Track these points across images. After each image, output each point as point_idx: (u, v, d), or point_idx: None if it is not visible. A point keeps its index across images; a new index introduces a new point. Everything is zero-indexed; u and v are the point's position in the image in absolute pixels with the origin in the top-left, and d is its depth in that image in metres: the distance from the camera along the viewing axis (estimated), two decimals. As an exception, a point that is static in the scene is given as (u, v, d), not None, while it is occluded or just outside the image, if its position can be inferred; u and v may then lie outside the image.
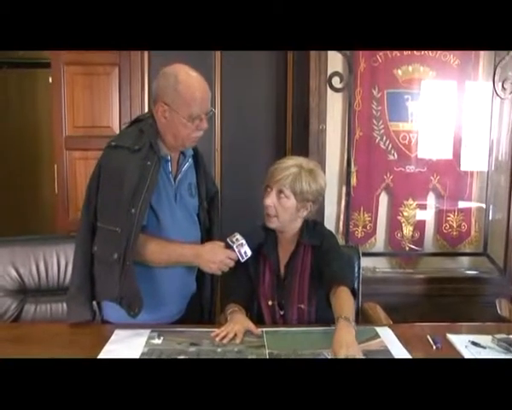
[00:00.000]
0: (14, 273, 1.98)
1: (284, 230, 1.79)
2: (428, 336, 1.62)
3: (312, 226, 1.82)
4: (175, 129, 1.67)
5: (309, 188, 1.72)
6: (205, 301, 1.92)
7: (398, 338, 1.62)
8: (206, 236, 1.87)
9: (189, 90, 1.63)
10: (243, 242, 1.65)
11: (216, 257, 1.66)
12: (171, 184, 1.74)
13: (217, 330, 1.61)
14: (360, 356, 1.39)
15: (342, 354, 1.37)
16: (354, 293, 1.67)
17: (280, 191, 1.71)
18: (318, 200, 1.79)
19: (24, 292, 2.00)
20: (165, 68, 1.69)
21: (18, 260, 2.00)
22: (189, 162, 1.81)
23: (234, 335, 1.59)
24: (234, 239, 1.66)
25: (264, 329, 1.67)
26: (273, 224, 1.75)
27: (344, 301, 1.59)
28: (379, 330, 1.69)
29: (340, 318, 1.51)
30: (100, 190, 1.68)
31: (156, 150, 1.65)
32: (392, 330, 1.68)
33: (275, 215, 1.73)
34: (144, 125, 1.69)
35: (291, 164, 1.73)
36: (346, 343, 1.40)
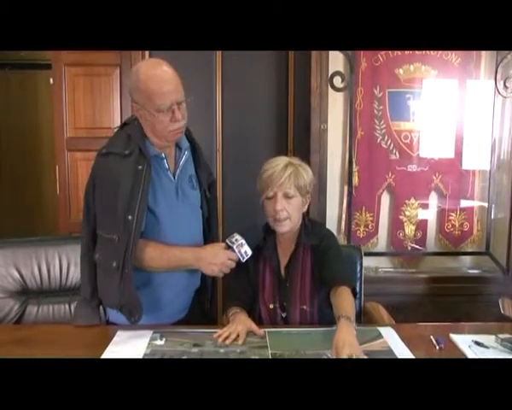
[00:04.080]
0: (16, 275, 1.99)
1: (293, 230, 1.78)
2: (431, 337, 1.61)
3: (311, 226, 1.82)
4: (151, 125, 1.65)
5: (307, 180, 1.75)
6: (206, 295, 1.91)
7: (401, 338, 1.62)
8: (206, 227, 1.87)
9: (148, 85, 1.59)
10: (243, 241, 1.64)
11: (217, 259, 1.65)
12: (171, 180, 1.73)
13: (219, 331, 1.61)
14: (362, 356, 1.39)
15: (344, 355, 1.37)
16: (354, 293, 1.67)
17: (286, 194, 1.71)
18: (312, 189, 1.82)
19: (26, 293, 2.00)
20: (132, 67, 1.71)
21: (20, 261, 2.00)
22: (186, 155, 1.78)
23: (236, 335, 1.58)
24: (233, 240, 1.65)
25: (267, 329, 1.66)
26: (286, 227, 1.74)
27: (344, 301, 1.59)
28: (382, 330, 1.69)
29: (341, 317, 1.51)
30: (96, 198, 1.68)
31: (145, 153, 1.63)
32: (395, 331, 1.68)
33: (287, 218, 1.72)
34: (131, 128, 1.69)
35: (284, 164, 1.72)
36: (349, 343, 1.40)
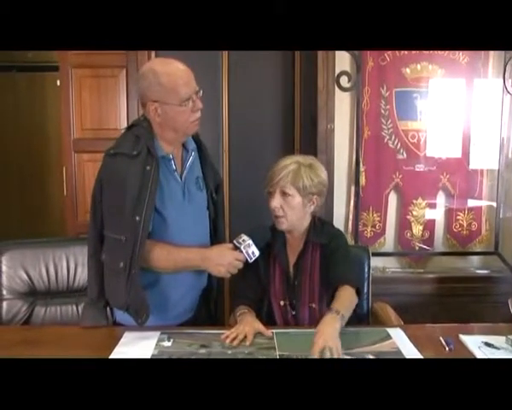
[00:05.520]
0: (24, 276, 1.99)
1: (294, 228, 1.78)
2: (441, 338, 1.60)
3: (320, 225, 1.81)
4: (172, 121, 1.66)
5: (311, 182, 1.72)
6: (212, 297, 1.91)
7: (410, 339, 1.61)
8: (213, 228, 1.87)
9: (170, 78, 1.63)
10: (250, 242, 1.64)
11: (224, 259, 1.65)
12: (178, 181, 1.73)
13: (227, 332, 1.61)
14: (338, 351, 1.39)
15: (320, 345, 1.38)
16: (359, 293, 1.67)
17: (283, 191, 1.71)
18: (323, 192, 1.78)
19: (34, 295, 2.01)
20: (141, 70, 1.71)
21: (28, 262, 2.01)
22: (193, 156, 1.79)
23: (244, 337, 1.58)
24: (240, 240, 1.65)
25: (275, 330, 1.66)
26: (283, 225, 1.75)
27: (340, 296, 1.60)
28: (390, 331, 1.68)
29: (330, 310, 1.52)
30: (103, 198, 1.68)
31: (154, 154, 1.63)
32: (404, 331, 1.67)
33: (283, 216, 1.73)
34: (139, 129, 1.69)
35: (288, 163, 1.73)
36: (325, 334, 1.42)
